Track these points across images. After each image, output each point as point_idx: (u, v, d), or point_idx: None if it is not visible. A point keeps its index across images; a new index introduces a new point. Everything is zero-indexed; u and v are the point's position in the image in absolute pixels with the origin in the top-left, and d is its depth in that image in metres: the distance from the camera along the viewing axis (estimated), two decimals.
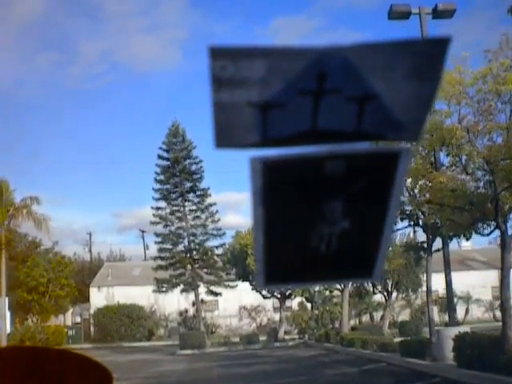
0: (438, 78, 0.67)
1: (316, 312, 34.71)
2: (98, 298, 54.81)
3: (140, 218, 57.54)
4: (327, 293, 34.66)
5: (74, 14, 72.09)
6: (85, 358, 1.13)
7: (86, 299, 53.90)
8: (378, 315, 42.07)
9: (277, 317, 48.32)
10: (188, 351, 33.01)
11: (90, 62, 74.83)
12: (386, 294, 30.67)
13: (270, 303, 51.36)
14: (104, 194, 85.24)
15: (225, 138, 0.69)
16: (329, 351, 24.91)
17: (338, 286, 28.33)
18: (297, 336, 36.62)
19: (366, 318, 46.70)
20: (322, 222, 0.73)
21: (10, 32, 66.86)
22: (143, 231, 63.32)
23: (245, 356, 26.66)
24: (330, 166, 0.69)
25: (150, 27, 74.58)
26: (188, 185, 36.29)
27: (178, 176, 34.31)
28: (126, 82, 77.05)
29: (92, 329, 53.24)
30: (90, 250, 69.42)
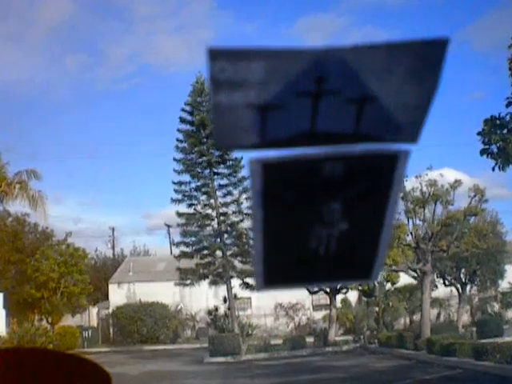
0: (437, 80, 0.66)
1: (376, 309, 23.34)
2: (118, 295, 46.80)
3: (169, 219, 51.95)
4: (388, 285, 23.59)
5: (103, 16, 73.26)
6: (83, 359, 1.10)
7: (107, 298, 47.09)
8: (433, 313, 33.98)
9: (317, 315, 42.93)
10: (219, 358, 26.11)
11: (118, 63, 75.62)
12: (459, 286, 19.63)
13: (308, 300, 43.77)
14: (133, 195, 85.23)
15: (225, 139, 0.69)
16: (412, 361, 14.41)
17: (414, 274, 17.70)
18: (349, 338, 31.99)
19: (417, 316, 35.06)
20: (321, 223, 0.71)
21: (40, 35, 68.92)
22: (169, 226, 55.56)
23: (295, 367, 15.99)
24: (328, 168, 0.68)
25: (178, 28, 76.21)
26: (217, 154, 28.72)
27: (205, 143, 29.03)
28: (154, 84, 77.75)
29: (111, 330, 44.92)
30: (113, 246, 62.26)
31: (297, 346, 26.20)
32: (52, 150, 79.97)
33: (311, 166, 0.68)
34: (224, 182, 26.48)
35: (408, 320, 36.70)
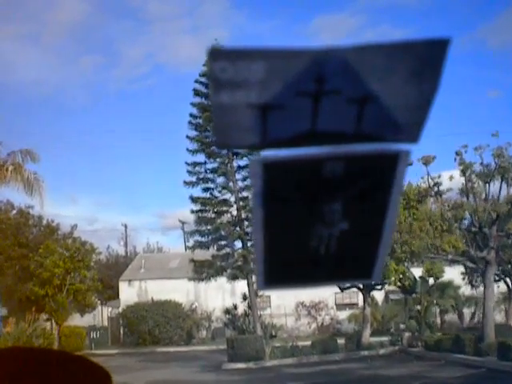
0: (438, 80, 0.66)
1: (418, 307, 17.72)
2: (129, 293, 42.91)
3: (184, 219, 50.61)
4: (431, 280, 18.00)
5: (117, 16, 74.88)
6: (83, 358, 1.10)
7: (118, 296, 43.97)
8: (468, 312, 32.17)
9: (341, 315, 39.47)
10: (240, 364, 22.07)
11: (133, 64, 76.51)
12: (510, 280, 13.90)
13: (332, 299, 40.17)
14: (148, 195, 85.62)
15: (225, 139, 0.69)
16: (481, 369, 8.44)
17: (472, 264, 12.06)
18: (384, 340, 27.53)
19: (449, 316, 34.43)
20: (321, 223, 0.71)
21: (55, 36, 69.95)
22: (183, 222, 53.04)
23: (332, 376, 11.98)
24: (329, 168, 0.68)
25: (193, 28, 76.89)
26: None
27: None
28: (169, 84, 77.23)
29: (121, 330, 40.98)
30: (126, 243, 58.40)
31: (327, 349, 22.03)
32: (66, 150, 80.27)
33: (312, 165, 0.67)
34: (244, 162, 22.21)
35: (439, 320, 32.22)
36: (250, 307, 24.83)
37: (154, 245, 57.47)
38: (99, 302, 43.05)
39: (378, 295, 35.96)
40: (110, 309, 42.28)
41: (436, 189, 20.33)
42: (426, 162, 19.75)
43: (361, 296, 30.20)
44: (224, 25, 76.26)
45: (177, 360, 25.55)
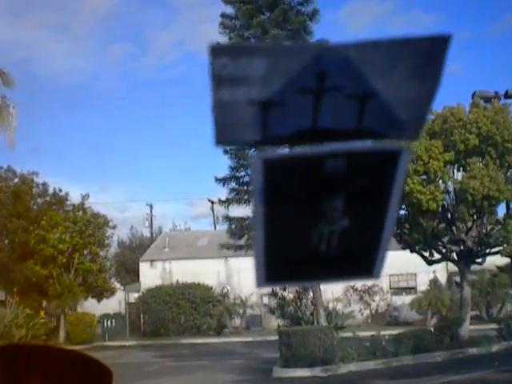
0: (439, 77, 0.66)
1: None
2: (151, 275, 34.49)
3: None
4: None
5: (147, 5, 74.13)
6: (85, 355, 1.07)
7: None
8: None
9: (399, 300, 31.53)
10: (302, 371, 13.92)
11: (163, 52, 75.05)
12: None
13: (386, 282, 32.07)
14: (179, 183, 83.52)
15: (225, 136, 0.69)
16: None
17: None
18: (487, 331, 19.53)
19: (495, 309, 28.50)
20: (322, 221, 0.71)
21: (85, 25, 68.72)
22: (213, 202, 45.05)
23: None
24: (330, 165, 0.68)
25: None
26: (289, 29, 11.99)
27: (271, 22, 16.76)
28: (199, 71, 68.54)
29: (142, 318, 32.42)
30: (151, 224, 49.48)
31: (419, 345, 13.25)
32: (94, 139, 79.77)
33: (313, 162, 0.67)
34: None
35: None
36: (304, 289, 16.77)
37: (181, 226, 49.79)
38: (122, 287, 35.38)
39: (440, 276, 30.28)
40: (128, 293, 34.46)
41: None
42: None
43: (420, 278, 27.06)
44: None
45: (206, 356, 19.42)
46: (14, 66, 69.09)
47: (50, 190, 32.91)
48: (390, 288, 33.88)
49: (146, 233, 52.42)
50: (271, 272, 0.73)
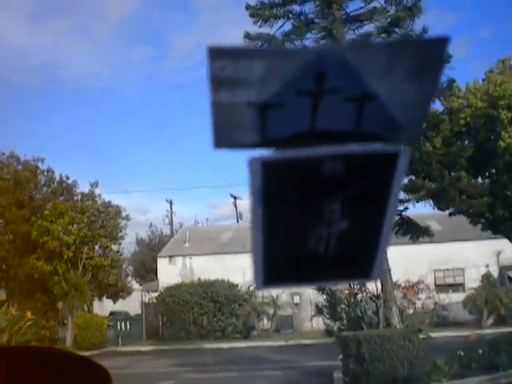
0: (437, 79, 0.67)
1: None
2: (170, 272, 30.81)
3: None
4: None
5: (167, 7, 73.67)
6: (83, 358, 1.05)
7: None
8: None
9: (446, 298, 27.54)
10: None
11: (184, 55, 75.59)
12: None
13: (430, 277, 28.66)
14: (201, 185, 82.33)
15: (224, 138, 0.69)
16: None
17: None
18: None
19: None
20: (320, 223, 0.72)
21: (106, 28, 68.62)
22: (235, 197, 43.08)
23: None
24: (328, 167, 0.69)
25: (242, 18, 62.03)
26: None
27: None
28: None
29: (160, 320, 28.59)
30: (171, 221, 45.35)
31: None
32: (118, 143, 78.48)
33: (311, 164, 0.68)
34: None
35: None
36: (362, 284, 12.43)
37: (203, 222, 45.67)
38: (141, 287, 31.80)
39: (493, 271, 26.79)
40: (145, 293, 30.26)
41: None
42: None
43: (468, 274, 24.16)
44: None
45: (234, 365, 15.98)
46: (36, 70, 70.17)
47: (57, 178, 29.27)
48: (435, 285, 30.91)
49: (166, 230, 48.68)
50: (270, 274, 0.72)
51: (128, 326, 29.19)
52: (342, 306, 15.28)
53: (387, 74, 0.62)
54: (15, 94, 71.45)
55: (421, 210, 18.00)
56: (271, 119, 0.64)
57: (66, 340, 25.76)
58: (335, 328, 14.82)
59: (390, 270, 14.34)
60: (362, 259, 0.72)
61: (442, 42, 0.59)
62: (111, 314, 32.37)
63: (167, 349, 25.10)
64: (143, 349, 26.03)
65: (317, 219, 0.68)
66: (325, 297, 15.79)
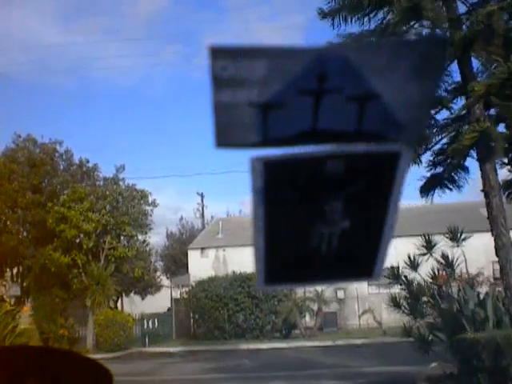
0: (438, 78, 0.68)
1: None
2: (202, 265, 27.92)
3: None
4: None
5: (196, 6, 72.71)
6: (85, 358, 1.03)
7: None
8: None
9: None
10: None
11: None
12: None
13: (488, 269, 24.46)
14: (230, 183, 78.35)
15: (225, 138, 0.70)
16: None
17: None
18: None
19: None
20: (322, 222, 0.73)
21: (136, 28, 66.71)
22: None
23: None
24: (330, 166, 0.70)
25: (271, 15, 71.42)
26: None
27: None
28: None
29: (191, 317, 25.65)
30: (203, 214, 42.03)
31: None
32: (147, 141, 77.68)
33: (313, 164, 0.69)
34: None
35: None
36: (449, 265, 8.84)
37: (236, 213, 42.43)
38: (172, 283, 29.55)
39: None
40: (176, 288, 27.07)
41: None
42: None
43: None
44: (303, 9, 76.42)
45: (278, 371, 12.35)
46: (68, 69, 74.22)
47: (76, 161, 26.60)
48: (494, 278, 27.84)
49: (198, 224, 45.83)
50: (271, 273, 0.73)
51: (156, 324, 26.64)
52: (424, 298, 11.60)
53: (389, 73, 0.61)
54: (49, 95, 74.49)
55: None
56: (273, 118, 0.62)
57: (87, 340, 22.88)
58: (417, 326, 11.36)
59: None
60: (364, 259, 0.70)
61: (443, 42, 0.60)
62: (168, 310, 29.60)
63: (199, 349, 22.66)
64: (172, 349, 23.58)
65: (319, 218, 0.67)
66: (400, 286, 12.12)
